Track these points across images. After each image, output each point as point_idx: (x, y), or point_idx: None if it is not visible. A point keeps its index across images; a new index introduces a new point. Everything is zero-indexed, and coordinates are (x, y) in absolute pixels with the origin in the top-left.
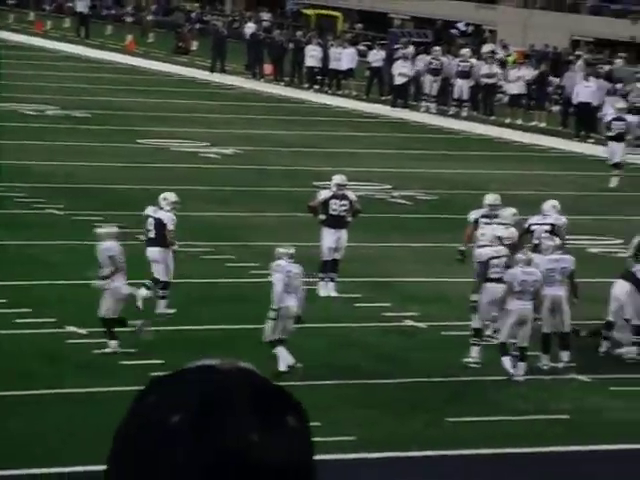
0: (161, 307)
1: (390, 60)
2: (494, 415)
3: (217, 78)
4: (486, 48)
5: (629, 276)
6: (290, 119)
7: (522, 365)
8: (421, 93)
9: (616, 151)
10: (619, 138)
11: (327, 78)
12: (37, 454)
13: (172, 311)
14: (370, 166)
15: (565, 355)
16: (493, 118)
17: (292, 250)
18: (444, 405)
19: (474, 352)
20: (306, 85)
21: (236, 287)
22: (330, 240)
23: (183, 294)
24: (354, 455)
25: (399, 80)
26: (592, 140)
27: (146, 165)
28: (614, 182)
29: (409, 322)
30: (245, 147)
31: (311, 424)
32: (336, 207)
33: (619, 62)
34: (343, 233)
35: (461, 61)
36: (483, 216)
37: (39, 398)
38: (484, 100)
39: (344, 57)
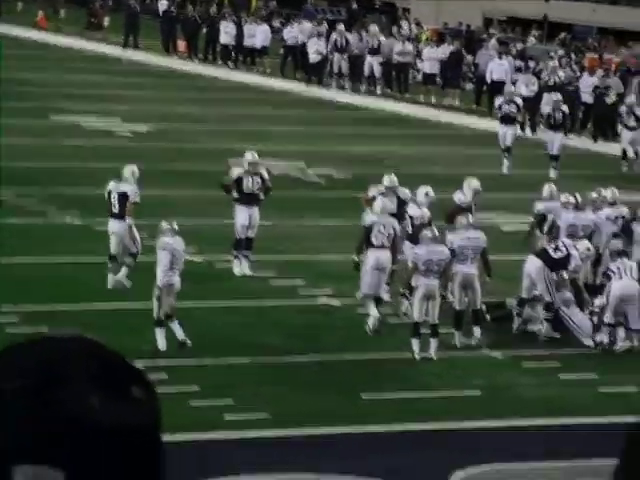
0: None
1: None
2: (408, 392)
3: (130, 54)
4: (401, 26)
5: (541, 253)
6: (204, 97)
7: (434, 342)
8: (332, 71)
9: (506, 135)
10: (508, 120)
11: (241, 55)
12: None
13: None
14: (284, 144)
15: (477, 331)
16: (408, 96)
17: (175, 225)
18: (358, 382)
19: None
20: (220, 62)
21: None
22: (243, 218)
23: (101, 275)
24: (267, 432)
25: (314, 58)
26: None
27: (59, 143)
28: (506, 168)
29: (324, 300)
30: (159, 124)
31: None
32: (249, 185)
33: (532, 40)
34: (255, 211)
35: (370, 38)
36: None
37: None
38: (398, 78)
39: (258, 34)
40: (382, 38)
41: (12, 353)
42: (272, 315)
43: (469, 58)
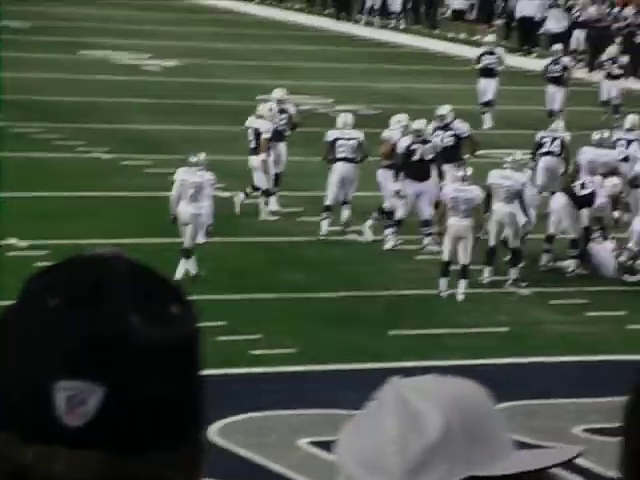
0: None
1: None
2: (435, 328)
3: None
4: None
5: (567, 190)
6: (233, 32)
7: (463, 282)
8: (363, 6)
9: (487, 88)
10: (488, 73)
11: None
12: None
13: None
14: (312, 79)
15: (514, 272)
16: (437, 32)
17: (196, 158)
18: (385, 318)
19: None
20: None
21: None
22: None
23: (120, 208)
24: (296, 367)
25: None
26: (535, 54)
27: (86, 77)
28: (488, 122)
29: (351, 236)
30: (188, 59)
31: (251, 335)
32: (276, 120)
33: None
34: (282, 146)
35: None
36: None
37: None
38: (427, 14)
39: None
40: None
41: (57, 270)
42: (298, 251)
43: None
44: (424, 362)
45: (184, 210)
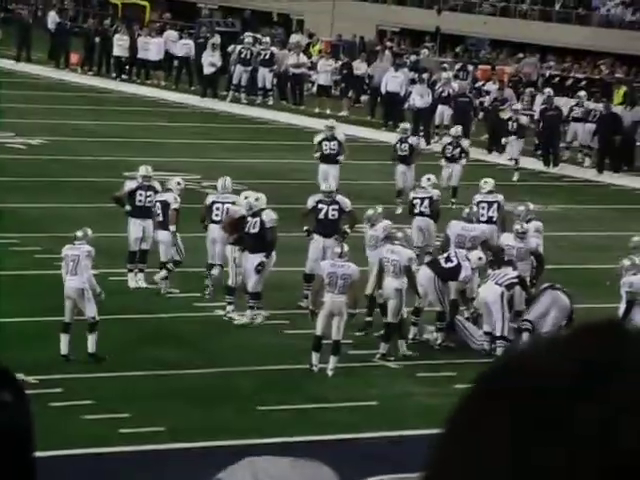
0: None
1: (199, 50)
2: (305, 403)
3: (23, 67)
4: (293, 38)
5: (432, 263)
6: (99, 109)
7: (333, 359)
8: (231, 83)
9: (406, 176)
10: (404, 160)
11: (135, 67)
12: None
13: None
14: (180, 156)
15: (384, 346)
16: (303, 108)
17: (80, 232)
18: (255, 394)
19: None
20: (114, 75)
21: (44, 277)
22: (136, 231)
23: None
24: (165, 445)
25: (208, 70)
26: (399, 129)
27: None
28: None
29: (220, 312)
30: (52, 137)
31: (121, 415)
32: (142, 198)
33: (425, 52)
34: (149, 223)
35: (262, 49)
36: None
37: None
38: (293, 90)
39: (153, 47)
40: (274, 48)
41: None
42: (168, 328)
43: (363, 69)
44: (293, 438)
45: (66, 284)
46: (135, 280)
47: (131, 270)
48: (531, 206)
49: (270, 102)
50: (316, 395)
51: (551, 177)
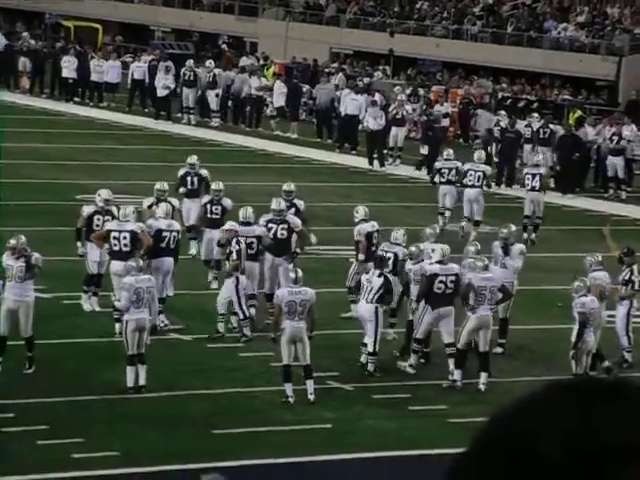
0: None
1: (152, 73)
2: (260, 426)
3: None
4: (246, 61)
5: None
6: (50, 132)
7: (310, 382)
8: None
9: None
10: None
11: (88, 90)
12: None
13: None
14: (134, 179)
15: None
16: (260, 130)
17: (13, 240)
18: (210, 417)
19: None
20: (65, 98)
21: None
22: (95, 254)
23: None
24: (119, 470)
25: (162, 92)
26: (355, 152)
27: None
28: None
29: (174, 335)
30: (5, 160)
31: (75, 439)
32: (99, 223)
33: (378, 74)
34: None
35: (208, 72)
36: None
37: None
38: (250, 113)
39: (110, 70)
40: (216, 70)
41: None
42: (122, 351)
43: (314, 92)
44: (248, 461)
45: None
46: (89, 303)
47: (86, 292)
48: (513, 228)
49: (214, 124)
50: (272, 418)
51: (504, 198)
